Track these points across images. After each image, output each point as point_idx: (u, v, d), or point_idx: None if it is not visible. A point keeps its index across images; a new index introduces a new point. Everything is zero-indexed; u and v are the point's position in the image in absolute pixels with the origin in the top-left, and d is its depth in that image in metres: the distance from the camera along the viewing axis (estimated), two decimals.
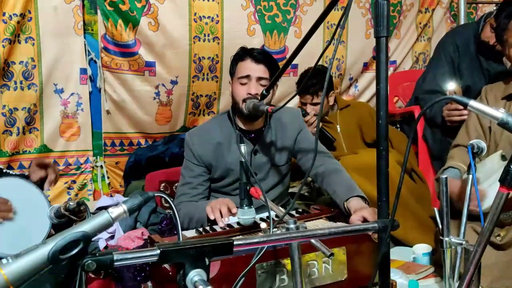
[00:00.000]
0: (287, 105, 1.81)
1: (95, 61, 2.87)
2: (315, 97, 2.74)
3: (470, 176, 1.58)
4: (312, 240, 1.28)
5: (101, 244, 2.22)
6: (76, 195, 2.92)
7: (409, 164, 2.56)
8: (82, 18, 2.79)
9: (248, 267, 1.16)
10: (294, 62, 1.77)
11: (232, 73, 2.07)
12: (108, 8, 2.79)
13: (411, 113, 3.03)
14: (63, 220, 1.43)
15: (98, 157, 2.99)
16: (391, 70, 3.76)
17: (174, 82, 3.04)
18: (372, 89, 3.71)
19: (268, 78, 1.98)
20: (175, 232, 2.10)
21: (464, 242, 1.49)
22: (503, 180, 0.99)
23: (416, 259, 2.12)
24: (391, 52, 3.72)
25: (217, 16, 3.06)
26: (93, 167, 2.97)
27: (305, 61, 3.04)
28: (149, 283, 1.64)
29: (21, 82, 2.66)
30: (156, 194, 1.04)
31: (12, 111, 2.67)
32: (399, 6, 3.71)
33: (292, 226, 1.23)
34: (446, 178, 1.52)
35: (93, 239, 0.88)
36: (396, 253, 2.18)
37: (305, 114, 2.62)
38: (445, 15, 3.95)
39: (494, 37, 2.25)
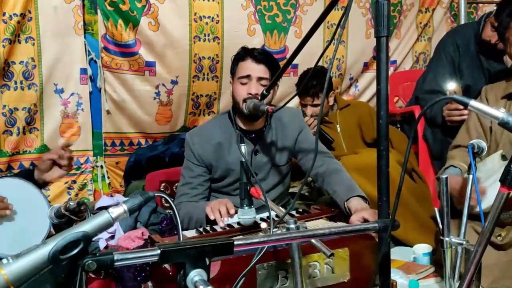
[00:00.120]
0: (287, 105, 1.81)
1: (95, 61, 2.87)
2: (315, 98, 2.73)
3: (471, 176, 1.57)
4: (313, 240, 1.28)
5: (102, 244, 2.22)
6: (76, 195, 2.91)
7: (410, 164, 2.55)
8: (82, 18, 2.79)
9: (249, 267, 1.15)
10: (294, 62, 1.77)
11: (233, 73, 2.07)
12: (108, 8, 2.79)
13: (411, 113, 3.03)
14: (63, 220, 1.43)
15: (98, 157, 2.99)
16: (391, 70, 3.76)
17: (174, 82, 3.04)
18: (373, 89, 3.71)
19: (269, 78, 1.98)
20: (175, 232, 2.10)
21: (464, 242, 1.48)
22: (503, 180, 0.99)
23: (416, 259, 2.12)
24: (391, 52, 3.72)
25: (217, 16, 3.06)
26: (93, 167, 2.97)
27: (306, 61, 3.04)
28: (149, 283, 1.64)
29: (21, 82, 2.66)
30: (156, 194, 1.04)
31: (12, 111, 2.66)
32: (400, 6, 3.70)
33: (292, 226, 1.24)
34: (446, 177, 1.51)
35: (93, 239, 0.88)
36: (397, 253, 2.18)
37: (303, 116, 2.62)
38: (446, 15, 3.95)
39: (495, 36, 2.25)
